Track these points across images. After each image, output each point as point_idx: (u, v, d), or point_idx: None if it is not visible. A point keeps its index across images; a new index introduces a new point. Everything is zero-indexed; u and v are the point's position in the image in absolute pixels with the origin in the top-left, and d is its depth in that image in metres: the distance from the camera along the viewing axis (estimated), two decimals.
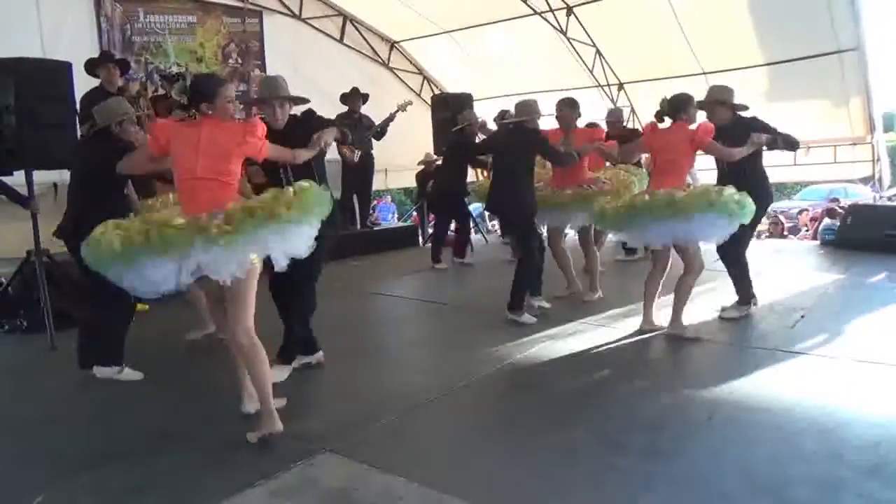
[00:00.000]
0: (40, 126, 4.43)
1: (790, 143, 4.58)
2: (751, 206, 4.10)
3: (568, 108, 5.28)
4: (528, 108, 4.84)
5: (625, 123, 7.99)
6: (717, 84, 4.99)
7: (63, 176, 5.94)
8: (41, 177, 5.07)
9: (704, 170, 6.25)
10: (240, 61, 8.79)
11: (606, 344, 4.31)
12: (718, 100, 4.61)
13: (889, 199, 8.40)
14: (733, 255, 4.70)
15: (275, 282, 3.55)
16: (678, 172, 4.34)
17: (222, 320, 3.21)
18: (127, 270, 2.86)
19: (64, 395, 3.76)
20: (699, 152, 4.44)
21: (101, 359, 3.83)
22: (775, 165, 8.35)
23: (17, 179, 4.63)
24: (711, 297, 5.11)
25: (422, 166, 9.91)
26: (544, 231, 5.50)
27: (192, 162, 2.95)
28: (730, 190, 4.11)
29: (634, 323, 4.73)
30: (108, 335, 3.84)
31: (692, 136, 4.29)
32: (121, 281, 2.91)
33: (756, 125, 4.54)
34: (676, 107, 4.37)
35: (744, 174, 4.42)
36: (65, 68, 4.74)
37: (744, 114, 4.66)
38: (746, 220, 4.14)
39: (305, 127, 3.54)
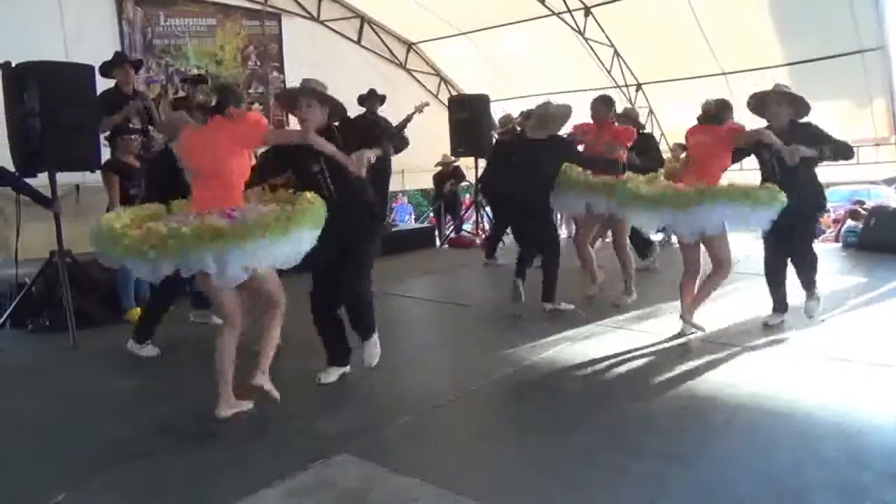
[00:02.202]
0: (63, 128, 4.49)
1: (841, 153, 4.18)
2: (781, 198, 4.02)
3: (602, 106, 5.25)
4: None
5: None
6: (783, 84, 4.65)
7: (85, 178, 6.05)
8: (63, 178, 5.14)
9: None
10: (258, 63, 8.86)
11: (624, 347, 4.27)
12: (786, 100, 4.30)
13: None
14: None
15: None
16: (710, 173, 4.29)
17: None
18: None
19: (85, 393, 3.81)
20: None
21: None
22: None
23: (40, 181, 4.71)
24: (734, 299, 5.06)
25: (439, 167, 9.93)
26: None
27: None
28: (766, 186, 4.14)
29: (652, 326, 4.70)
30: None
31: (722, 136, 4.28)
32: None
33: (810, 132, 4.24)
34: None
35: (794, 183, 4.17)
36: (87, 71, 4.80)
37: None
38: (774, 213, 4.03)
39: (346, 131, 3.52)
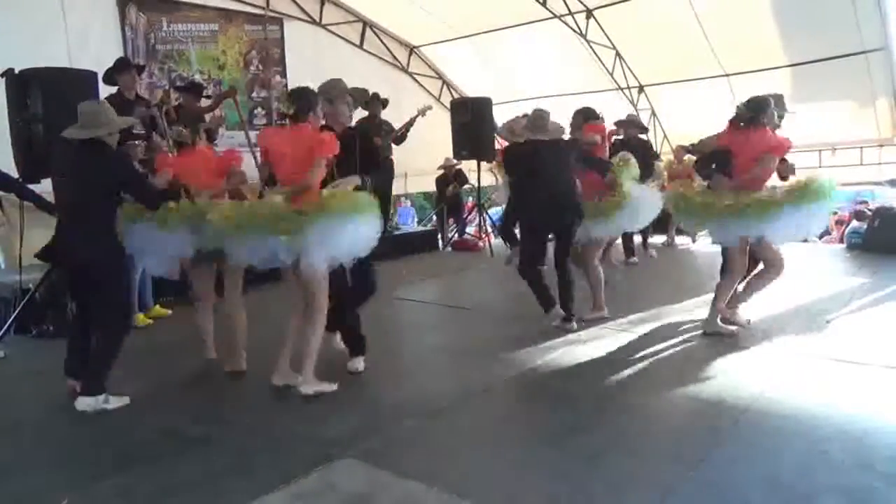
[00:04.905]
0: None
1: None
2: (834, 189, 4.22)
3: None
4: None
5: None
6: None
7: None
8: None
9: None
10: (261, 68, 8.88)
11: (628, 348, 4.27)
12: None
13: None
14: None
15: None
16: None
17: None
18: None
19: None
20: None
21: (92, 388, 3.49)
22: (801, 168, 8.27)
23: (44, 187, 4.71)
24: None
25: (441, 171, 9.94)
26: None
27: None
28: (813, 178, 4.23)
29: (656, 327, 4.70)
30: (109, 362, 3.58)
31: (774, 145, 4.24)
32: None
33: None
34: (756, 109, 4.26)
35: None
36: (91, 77, 4.82)
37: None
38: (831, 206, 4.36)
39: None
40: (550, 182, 4.68)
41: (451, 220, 10.39)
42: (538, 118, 4.78)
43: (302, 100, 3.56)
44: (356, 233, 3.39)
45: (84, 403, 3.45)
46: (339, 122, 3.83)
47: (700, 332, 4.51)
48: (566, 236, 4.80)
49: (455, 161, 9.56)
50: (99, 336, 3.62)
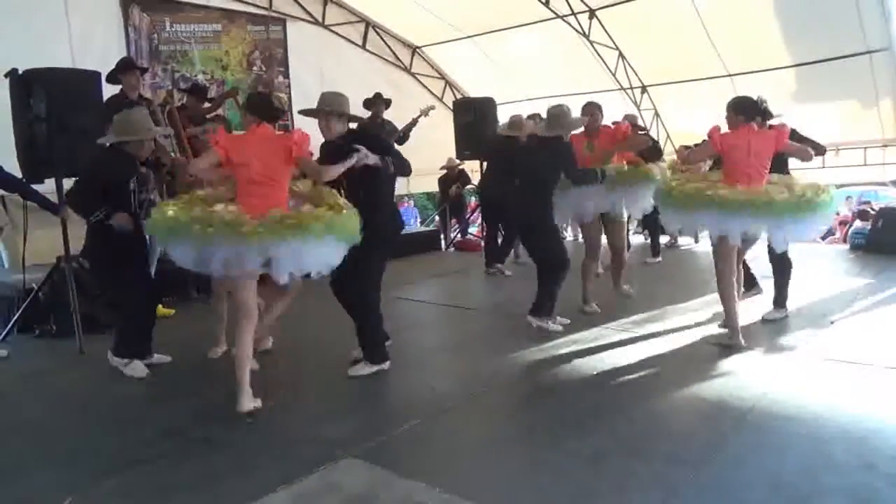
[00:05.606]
0: (71, 134, 4.50)
1: None
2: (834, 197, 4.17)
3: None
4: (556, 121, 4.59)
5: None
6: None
7: None
8: (70, 184, 5.15)
9: None
10: (264, 68, 8.89)
11: (631, 349, 4.26)
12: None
13: None
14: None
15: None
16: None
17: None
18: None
19: (91, 398, 3.82)
20: None
21: (118, 351, 4.12)
22: (804, 168, 8.25)
23: (47, 187, 4.73)
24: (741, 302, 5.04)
25: (444, 171, 9.93)
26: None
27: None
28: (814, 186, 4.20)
29: (658, 328, 4.68)
30: (130, 332, 4.16)
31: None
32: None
33: None
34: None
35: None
36: (94, 77, 4.83)
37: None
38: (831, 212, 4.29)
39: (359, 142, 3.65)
40: (520, 183, 4.75)
41: (453, 221, 10.39)
42: (552, 116, 4.60)
43: None
44: (324, 252, 3.32)
45: (112, 360, 4.12)
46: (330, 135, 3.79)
47: (701, 332, 4.50)
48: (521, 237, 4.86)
49: (458, 161, 9.56)
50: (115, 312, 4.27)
